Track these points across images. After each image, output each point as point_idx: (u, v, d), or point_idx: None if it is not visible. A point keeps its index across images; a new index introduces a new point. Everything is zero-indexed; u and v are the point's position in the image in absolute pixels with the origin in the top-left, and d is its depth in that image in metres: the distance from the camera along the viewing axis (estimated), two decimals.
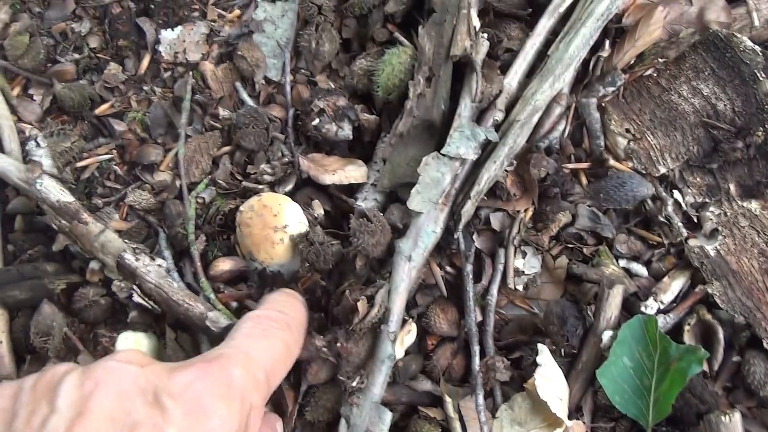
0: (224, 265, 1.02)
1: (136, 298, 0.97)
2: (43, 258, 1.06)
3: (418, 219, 0.97)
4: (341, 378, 0.92)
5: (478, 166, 1.00)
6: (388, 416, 0.92)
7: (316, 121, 1.06)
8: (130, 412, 0.60)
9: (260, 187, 1.06)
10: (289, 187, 1.06)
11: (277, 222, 0.97)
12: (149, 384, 0.63)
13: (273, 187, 1.06)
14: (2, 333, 1.02)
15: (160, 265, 0.99)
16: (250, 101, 1.14)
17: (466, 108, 1.00)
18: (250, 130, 1.04)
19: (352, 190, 1.06)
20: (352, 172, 1.04)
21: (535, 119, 1.03)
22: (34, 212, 1.08)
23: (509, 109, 1.03)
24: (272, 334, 0.81)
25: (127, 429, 0.59)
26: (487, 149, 1.01)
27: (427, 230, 0.97)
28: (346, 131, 1.06)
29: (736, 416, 0.89)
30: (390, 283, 0.95)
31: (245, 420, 0.68)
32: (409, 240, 0.97)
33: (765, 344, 0.95)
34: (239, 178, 1.09)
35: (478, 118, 1.02)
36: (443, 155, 0.98)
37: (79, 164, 1.12)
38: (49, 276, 1.03)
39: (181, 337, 1.01)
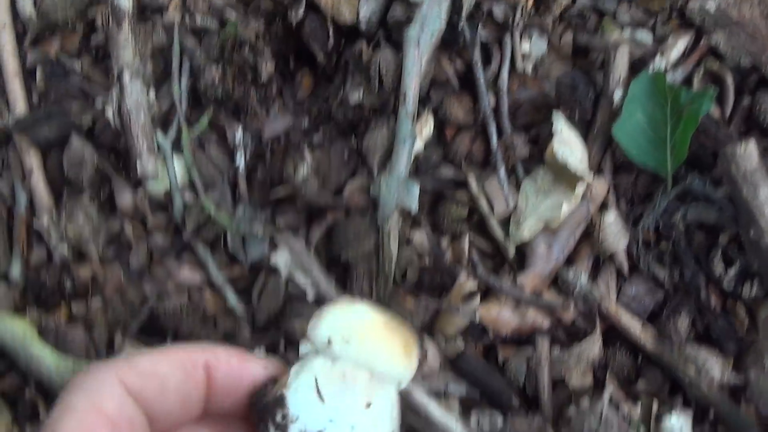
0: None
1: None
2: (67, 98, 1.09)
3: (422, 7, 1.00)
4: None
5: None
6: (415, 189, 0.96)
7: None
8: None
9: None
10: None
11: None
12: None
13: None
14: (37, 169, 1.06)
15: None
16: None
17: None
18: None
19: None
20: None
21: None
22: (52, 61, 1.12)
23: None
24: None
25: None
26: None
27: (432, 16, 1.00)
28: None
29: (751, 145, 0.91)
30: (403, 69, 0.99)
31: None
32: (416, 25, 1.00)
33: None
34: None
35: None
36: None
37: None
38: (75, 113, 1.07)
39: None
